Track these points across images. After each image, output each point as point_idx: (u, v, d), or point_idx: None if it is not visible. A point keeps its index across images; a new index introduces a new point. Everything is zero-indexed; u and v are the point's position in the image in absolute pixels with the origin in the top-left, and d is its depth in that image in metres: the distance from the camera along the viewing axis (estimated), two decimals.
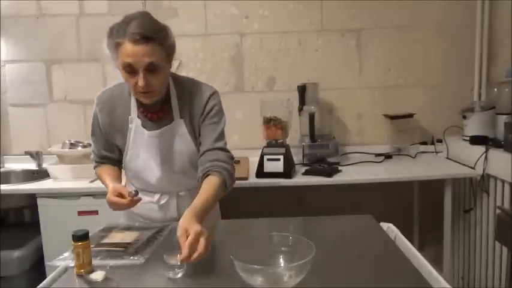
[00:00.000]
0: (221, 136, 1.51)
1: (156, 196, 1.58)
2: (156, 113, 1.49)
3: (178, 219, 1.36)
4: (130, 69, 1.33)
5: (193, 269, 1.14)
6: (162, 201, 1.58)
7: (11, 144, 2.83)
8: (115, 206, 1.39)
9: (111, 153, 1.59)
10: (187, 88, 1.51)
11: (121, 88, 1.53)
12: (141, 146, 1.51)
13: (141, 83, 1.33)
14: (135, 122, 1.49)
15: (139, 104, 1.48)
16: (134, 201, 1.38)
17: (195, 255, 1.09)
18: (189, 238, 1.11)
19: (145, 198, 1.56)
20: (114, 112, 1.52)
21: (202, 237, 1.12)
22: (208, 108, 1.50)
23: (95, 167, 1.63)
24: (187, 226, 1.16)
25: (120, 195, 1.37)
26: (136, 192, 1.39)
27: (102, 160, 1.60)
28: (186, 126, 1.50)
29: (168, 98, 1.50)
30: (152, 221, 1.57)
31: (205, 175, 1.42)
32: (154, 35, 1.32)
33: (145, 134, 1.49)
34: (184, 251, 1.09)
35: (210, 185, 1.38)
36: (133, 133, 1.50)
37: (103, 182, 1.54)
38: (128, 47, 1.30)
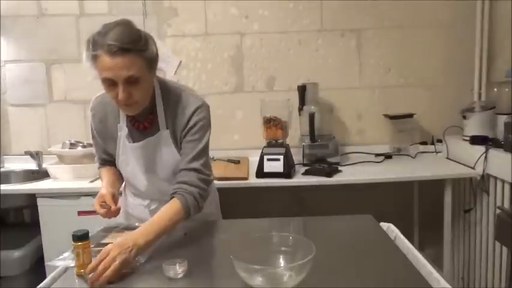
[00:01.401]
0: (199, 155, 1.44)
1: (146, 201, 1.60)
2: (142, 123, 1.47)
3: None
4: (109, 82, 1.28)
5: (194, 269, 1.14)
6: (152, 207, 1.58)
7: (11, 144, 2.83)
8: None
9: (109, 157, 1.59)
10: (175, 98, 1.45)
11: None
12: (130, 155, 1.51)
13: (121, 96, 1.28)
14: (123, 130, 1.48)
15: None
16: (109, 213, 1.38)
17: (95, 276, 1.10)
18: (100, 256, 1.13)
19: (137, 200, 1.62)
20: (106, 119, 1.51)
21: (108, 261, 1.12)
22: (191, 123, 1.44)
23: (98, 168, 1.65)
24: (112, 246, 1.16)
25: (104, 203, 1.39)
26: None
27: (103, 162, 1.62)
28: (171, 136, 1.47)
29: (154, 107, 1.45)
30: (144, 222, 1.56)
31: (172, 197, 1.40)
32: (131, 45, 1.25)
33: (127, 147, 1.49)
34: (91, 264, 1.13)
35: (168, 209, 1.35)
36: (122, 141, 1.49)
37: (102, 178, 1.58)
38: (105, 59, 1.24)
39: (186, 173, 1.42)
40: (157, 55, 1.37)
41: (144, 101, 1.38)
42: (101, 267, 1.11)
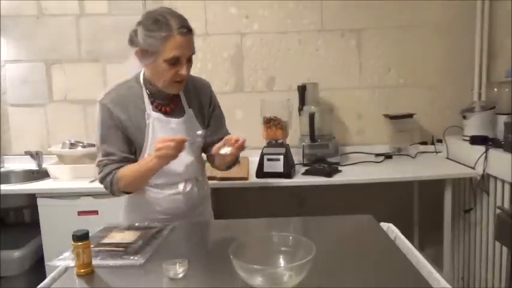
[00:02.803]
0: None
1: (180, 186, 1.59)
2: (168, 106, 1.56)
3: (199, 206, 1.65)
4: (174, 61, 1.41)
5: (194, 269, 1.14)
6: (187, 189, 1.60)
7: (11, 144, 2.83)
8: (167, 150, 1.38)
9: (130, 154, 1.54)
10: (191, 83, 1.60)
11: (127, 86, 1.54)
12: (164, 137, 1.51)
13: (185, 72, 1.44)
14: (153, 116, 1.52)
15: (152, 99, 1.54)
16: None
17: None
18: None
19: (167, 190, 1.59)
20: (127, 109, 1.51)
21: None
22: (214, 99, 1.67)
23: (114, 174, 1.49)
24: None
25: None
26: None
27: (122, 164, 1.51)
28: (195, 115, 1.60)
29: None
30: (175, 215, 1.58)
31: None
32: (191, 27, 1.44)
33: (171, 122, 1.54)
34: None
35: None
36: (152, 127, 1.52)
37: (138, 172, 1.48)
38: (178, 39, 1.39)
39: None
40: None
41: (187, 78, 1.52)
42: (241, 139, 1.46)
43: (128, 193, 1.59)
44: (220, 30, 2.73)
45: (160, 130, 1.52)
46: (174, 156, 1.40)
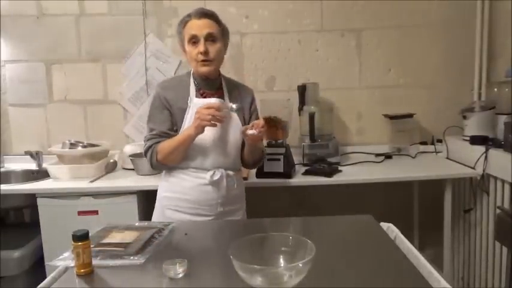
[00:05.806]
0: None
1: (209, 173, 1.68)
2: (212, 95, 1.73)
3: (229, 204, 1.72)
4: (194, 40, 1.64)
5: (194, 269, 1.14)
6: (216, 177, 1.68)
7: (11, 144, 2.83)
8: (207, 115, 1.54)
9: (171, 131, 1.70)
10: (235, 84, 1.85)
11: (179, 77, 1.80)
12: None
13: (201, 48, 1.62)
14: (194, 101, 1.69)
15: (199, 87, 1.72)
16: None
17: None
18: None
19: (197, 179, 1.69)
20: (177, 91, 1.71)
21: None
22: (254, 105, 1.85)
23: (153, 147, 1.67)
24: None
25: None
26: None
27: (162, 139, 1.68)
28: (238, 115, 1.74)
29: (221, 85, 1.78)
30: (203, 207, 1.69)
31: None
32: (211, 13, 1.69)
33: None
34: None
35: None
36: (192, 110, 1.66)
37: (176, 140, 1.63)
38: (194, 22, 1.65)
39: None
40: (227, 31, 1.76)
41: (217, 62, 1.70)
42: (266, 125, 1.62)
43: (165, 166, 1.73)
44: None
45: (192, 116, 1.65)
46: (208, 122, 1.55)
